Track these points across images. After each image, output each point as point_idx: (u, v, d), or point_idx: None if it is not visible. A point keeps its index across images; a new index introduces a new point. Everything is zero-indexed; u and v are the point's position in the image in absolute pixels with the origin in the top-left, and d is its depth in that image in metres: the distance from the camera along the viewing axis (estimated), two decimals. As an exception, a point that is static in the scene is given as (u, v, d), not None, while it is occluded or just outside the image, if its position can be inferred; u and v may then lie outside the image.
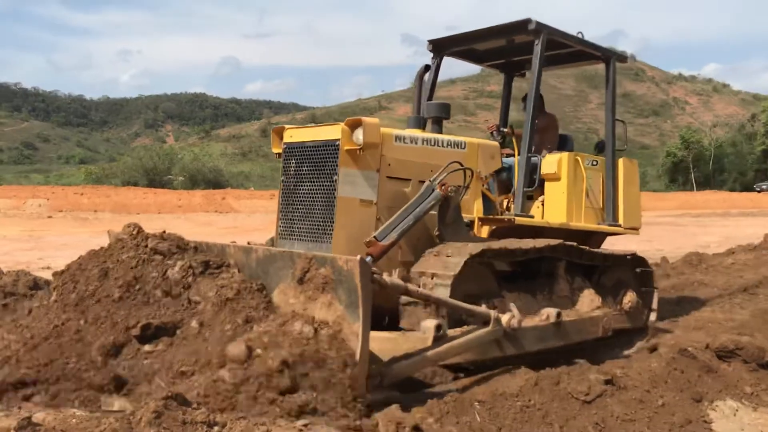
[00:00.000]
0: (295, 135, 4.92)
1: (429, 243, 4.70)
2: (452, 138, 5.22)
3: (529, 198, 6.18)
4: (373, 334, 3.42)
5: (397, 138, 4.80)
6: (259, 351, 3.04)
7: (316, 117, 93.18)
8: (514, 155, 6.10)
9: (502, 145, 6.26)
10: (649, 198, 46.84)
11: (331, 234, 4.46)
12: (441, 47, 6.51)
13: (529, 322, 4.44)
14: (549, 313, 4.58)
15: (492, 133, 6.46)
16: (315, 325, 3.16)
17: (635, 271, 5.72)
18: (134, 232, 3.99)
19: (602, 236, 6.35)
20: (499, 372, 4.06)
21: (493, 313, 4.03)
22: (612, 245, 6.23)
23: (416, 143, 4.92)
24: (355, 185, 4.52)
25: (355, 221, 4.50)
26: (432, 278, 4.21)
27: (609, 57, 6.35)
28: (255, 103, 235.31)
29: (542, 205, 6.07)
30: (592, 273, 5.45)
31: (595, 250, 5.33)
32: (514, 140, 5.97)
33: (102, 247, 4.02)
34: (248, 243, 4.64)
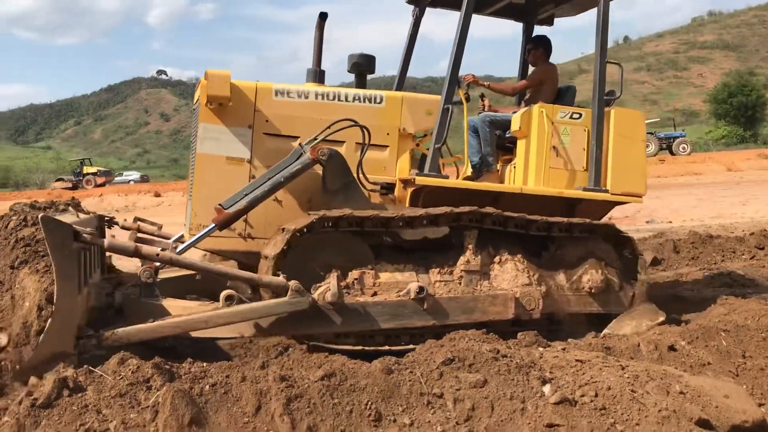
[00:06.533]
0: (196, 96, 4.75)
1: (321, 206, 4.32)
2: (361, 92, 4.68)
3: (509, 162, 5.48)
4: (176, 302, 3.69)
5: (278, 92, 4.47)
6: None
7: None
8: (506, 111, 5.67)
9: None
10: None
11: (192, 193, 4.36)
12: None
13: (382, 296, 3.97)
14: (411, 287, 4.03)
15: (468, 85, 5.63)
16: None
17: (613, 245, 4.83)
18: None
19: (600, 205, 5.20)
20: (738, 311, 4.40)
21: (293, 283, 3.63)
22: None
23: (305, 98, 4.54)
24: (220, 141, 4.31)
25: (219, 180, 4.30)
26: (265, 259, 3.99)
27: None
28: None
29: (514, 168, 5.23)
30: (543, 246, 4.73)
31: (521, 216, 4.47)
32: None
33: None
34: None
